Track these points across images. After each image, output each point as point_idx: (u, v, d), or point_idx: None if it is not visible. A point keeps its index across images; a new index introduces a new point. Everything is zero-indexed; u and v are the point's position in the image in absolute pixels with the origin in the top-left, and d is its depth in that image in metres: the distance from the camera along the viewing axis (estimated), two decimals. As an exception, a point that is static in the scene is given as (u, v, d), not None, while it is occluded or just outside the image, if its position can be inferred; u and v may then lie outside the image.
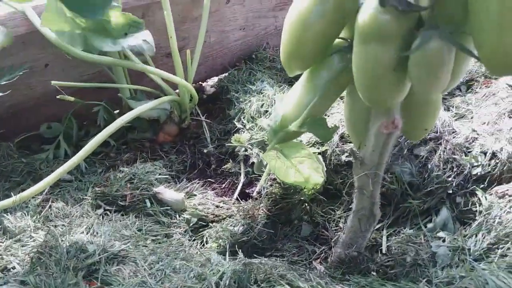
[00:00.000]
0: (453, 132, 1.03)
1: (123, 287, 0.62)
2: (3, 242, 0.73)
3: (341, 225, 0.94)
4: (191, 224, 0.91)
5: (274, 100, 1.17)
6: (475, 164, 0.98)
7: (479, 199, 0.94)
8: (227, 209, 0.95)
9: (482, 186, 0.95)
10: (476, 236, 0.87)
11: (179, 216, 0.92)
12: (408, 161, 0.97)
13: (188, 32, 1.29)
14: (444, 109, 1.20)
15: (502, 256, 0.80)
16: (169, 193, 0.95)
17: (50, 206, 0.88)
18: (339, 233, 0.92)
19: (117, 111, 1.21)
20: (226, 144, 1.14)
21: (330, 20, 0.64)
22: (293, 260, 0.87)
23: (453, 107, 1.22)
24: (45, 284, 0.60)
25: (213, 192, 1.03)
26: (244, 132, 1.13)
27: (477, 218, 0.92)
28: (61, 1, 0.63)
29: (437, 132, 1.01)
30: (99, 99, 1.17)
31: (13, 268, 0.67)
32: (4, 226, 0.78)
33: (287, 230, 0.94)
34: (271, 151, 0.85)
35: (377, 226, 0.92)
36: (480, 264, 0.81)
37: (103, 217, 0.87)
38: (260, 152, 1.06)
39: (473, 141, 1.02)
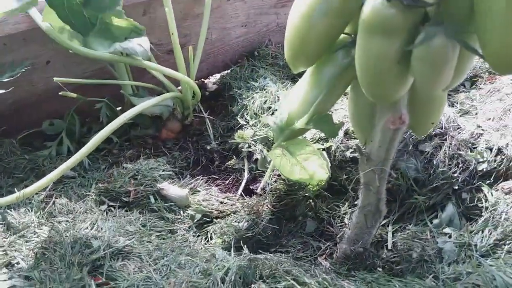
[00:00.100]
0: (458, 128, 1.02)
1: (128, 283, 0.61)
2: (7, 238, 0.73)
3: (346, 221, 0.93)
4: (196, 220, 0.91)
5: (278, 97, 1.16)
6: (481, 160, 0.97)
7: (485, 195, 0.94)
8: (231, 205, 0.94)
9: (488, 182, 0.95)
10: (483, 232, 0.86)
11: (183, 212, 0.92)
12: (413, 157, 0.97)
13: (190, 29, 1.28)
14: (449, 105, 1.19)
15: (509, 252, 0.79)
16: (173, 189, 0.94)
17: (53, 202, 0.87)
18: (344, 229, 0.91)
19: (120, 108, 1.20)
20: (229, 141, 1.13)
21: (335, 16, 0.63)
22: (298, 256, 0.86)
23: (457, 103, 1.21)
24: (49, 279, 0.59)
25: (217, 188, 1.02)
26: (247, 128, 1.12)
27: (483, 214, 0.91)
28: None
29: (442, 128, 1.00)
30: (101, 96, 1.16)
31: (17, 263, 0.66)
32: (8, 222, 0.78)
33: (292, 226, 0.94)
34: (277, 148, 0.85)
35: (383, 222, 0.91)
36: (487, 260, 0.80)
37: (107, 213, 0.86)
38: (264, 148, 1.05)
39: (478, 137, 1.01)
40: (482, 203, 0.93)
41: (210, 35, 1.34)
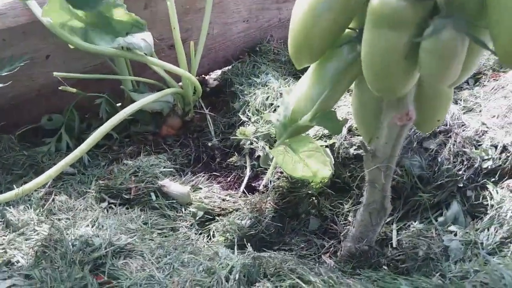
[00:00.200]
0: (462, 125, 1.01)
1: (130, 282, 0.60)
2: (6, 236, 0.71)
3: (350, 219, 0.92)
4: (197, 218, 0.89)
5: (280, 93, 1.15)
6: (486, 157, 0.96)
7: (490, 192, 0.93)
8: (233, 202, 0.93)
9: (493, 179, 0.94)
10: (488, 230, 0.85)
11: (185, 210, 0.91)
12: (417, 154, 0.96)
13: (191, 24, 1.27)
14: (452, 102, 1.18)
15: (516, 251, 0.78)
16: (174, 186, 0.93)
17: (53, 200, 0.86)
18: (348, 227, 0.90)
19: (119, 103, 1.18)
20: (231, 138, 1.12)
21: (340, 11, 0.62)
22: (302, 254, 0.85)
23: (461, 100, 1.20)
24: (50, 278, 0.58)
25: (218, 185, 1.01)
26: (249, 125, 1.11)
27: (488, 212, 0.90)
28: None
29: (446, 125, 0.99)
30: (101, 91, 1.15)
31: (17, 262, 0.65)
32: (7, 219, 0.76)
33: (295, 224, 0.92)
34: (279, 146, 0.83)
35: (387, 220, 0.90)
36: (493, 258, 0.79)
37: (107, 211, 0.85)
38: (266, 145, 1.04)
39: (483, 134, 1.00)
40: (487, 201, 0.92)
41: (211, 30, 1.32)
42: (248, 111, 1.15)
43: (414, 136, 0.97)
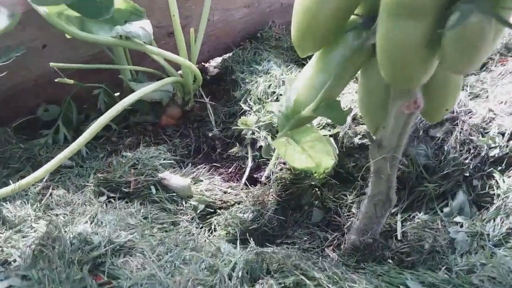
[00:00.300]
0: (469, 112, 0.99)
1: (131, 282, 0.58)
2: (2, 233, 0.70)
3: (353, 210, 0.90)
4: (199, 211, 0.88)
5: (282, 81, 1.12)
6: (493, 145, 0.94)
7: (496, 181, 0.91)
8: (235, 195, 0.91)
9: (500, 168, 0.92)
10: (494, 220, 0.84)
11: (186, 203, 0.89)
12: (423, 143, 0.94)
13: (191, 10, 1.23)
14: (458, 89, 1.15)
15: (523, 242, 0.76)
16: (174, 179, 0.91)
17: (50, 194, 0.84)
18: (351, 218, 0.88)
19: (118, 93, 1.16)
20: (232, 127, 1.09)
21: None
22: (305, 247, 0.83)
23: (467, 86, 1.17)
24: (49, 279, 0.56)
25: (219, 177, 0.99)
26: (250, 114, 1.09)
27: (494, 201, 0.89)
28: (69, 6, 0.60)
29: (453, 113, 0.97)
30: (99, 81, 1.12)
31: (14, 261, 0.63)
32: (3, 216, 0.74)
33: (298, 216, 0.91)
34: (282, 137, 0.81)
35: (391, 211, 0.88)
36: (499, 249, 0.78)
37: (106, 205, 0.83)
38: (268, 135, 1.02)
39: (490, 122, 0.98)
40: (493, 190, 0.90)
41: (212, 17, 1.29)
42: (250, 99, 1.12)
43: (420, 124, 0.95)
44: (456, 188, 0.91)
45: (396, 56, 0.53)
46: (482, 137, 0.95)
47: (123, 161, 0.93)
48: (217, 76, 1.31)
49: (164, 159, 0.97)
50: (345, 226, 0.87)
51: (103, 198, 0.86)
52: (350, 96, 1.03)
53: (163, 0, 1.09)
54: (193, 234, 0.80)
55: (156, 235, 0.72)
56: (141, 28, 0.97)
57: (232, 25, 1.36)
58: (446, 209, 0.89)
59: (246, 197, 0.89)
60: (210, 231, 0.85)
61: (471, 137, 0.94)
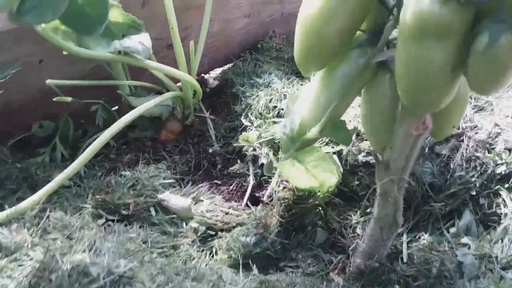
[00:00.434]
0: (475, 127, 0.97)
1: (130, 317, 0.56)
2: (-2, 262, 0.67)
3: (358, 231, 0.88)
4: (199, 234, 0.85)
5: (284, 95, 1.10)
6: (499, 161, 0.92)
7: (503, 200, 0.89)
8: (237, 216, 0.89)
9: (507, 185, 0.90)
10: (502, 241, 0.82)
11: (186, 225, 0.87)
12: (429, 160, 0.92)
13: (191, 21, 1.21)
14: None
15: (532, 265, 0.75)
16: (174, 199, 0.89)
17: (48, 217, 0.81)
18: (356, 240, 0.86)
19: (116, 107, 1.14)
20: (233, 144, 1.07)
21: (352, 12, 0.58)
22: (309, 271, 0.81)
23: (471, 98, 1.15)
24: (44, 318, 0.54)
25: (220, 196, 0.96)
26: (251, 130, 1.06)
27: (502, 221, 0.87)
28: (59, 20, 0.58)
29: (459, 128, 0.95)
30: (97, 96, 1.10)
31: (10, 294, 0.61)
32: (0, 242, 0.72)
33: (301, 237, 0.89)
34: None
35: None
36: (508, 272, 0.76)
37: (105, 229, 0.81)
38: (270, 151, 1.00)
39: (496, 137, 0.96)
40: (500, 209, 0.88)
41: (211, 27, 1.27)
42: (251, 114, 1.10)
43: (425, 141, 0.93)
44: (462, 207, 0.89)
45: (419, 82, 0.50)
46: (489, 153, 0.93)
47: (122, 181, 0.91)
48: (217, 89, 1.29)
49: (164, 178, 0.94)
50: (350, 248, 0.85)
51: (102, 221, 0.84)
52: (353, 111, 1.01)
53: (162, 11, 1.07)
54: (194, 258, 0.77)
55: (157, 263, 0.70)
56: (140, 43, 0.94)
57: (232, 36, 1.34)
58: (452, 229, 0.87)
59: (248, 218, 0.87)
60: (211, 254, 0.83)
61: (477, 154, 0.92)
